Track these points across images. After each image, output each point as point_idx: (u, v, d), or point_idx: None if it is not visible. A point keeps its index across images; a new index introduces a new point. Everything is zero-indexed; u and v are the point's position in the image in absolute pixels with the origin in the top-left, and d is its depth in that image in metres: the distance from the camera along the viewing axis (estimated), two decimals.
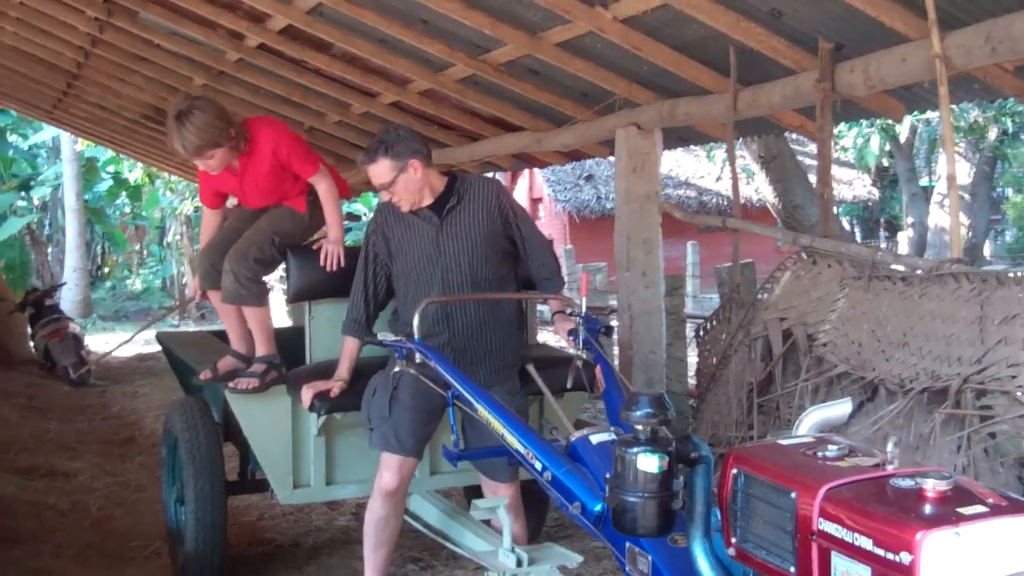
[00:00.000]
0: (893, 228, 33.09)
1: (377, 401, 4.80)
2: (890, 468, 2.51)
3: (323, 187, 5.40)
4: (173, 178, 24.77)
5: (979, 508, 2.28)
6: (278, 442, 5.29)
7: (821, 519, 2.43)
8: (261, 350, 5.35)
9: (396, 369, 4.50)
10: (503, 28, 6.59)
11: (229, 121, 5.18)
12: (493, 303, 4.83)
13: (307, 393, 4.92)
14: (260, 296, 5.33)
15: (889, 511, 2.32)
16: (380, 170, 4.67)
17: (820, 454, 2.64)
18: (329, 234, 5.41)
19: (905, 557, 2.21)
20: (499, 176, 27.84)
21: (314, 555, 6.33)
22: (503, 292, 4.91)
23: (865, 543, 2.31)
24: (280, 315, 12.30)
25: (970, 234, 13.58)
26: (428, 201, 4.79)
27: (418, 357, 4.34)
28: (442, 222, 4.77)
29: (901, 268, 5.22)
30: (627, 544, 3.32)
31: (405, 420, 4.72)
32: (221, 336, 7.36)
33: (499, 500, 4.41)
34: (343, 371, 4.97)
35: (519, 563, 4.29)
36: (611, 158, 7.79)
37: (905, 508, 2.31)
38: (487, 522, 4.93)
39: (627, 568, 3.35)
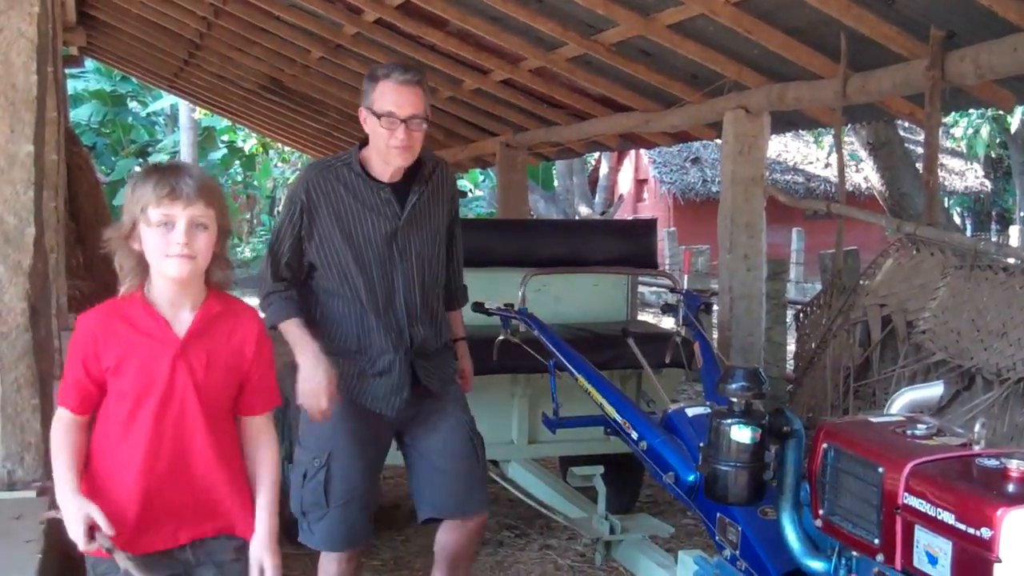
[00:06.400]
0: (1005, 221, 32.28)
1: (310, 488, 3.77)
2: (976, 448, 2.58)
3: None
4: (286, 149, 25.15)
5: None
6: None
7: (906, 493, 2.51)
8: None
9: (320, 443, 3.81)
10: (616, 8, 6.67)
11: None
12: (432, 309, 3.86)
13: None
14: None
15: (972, 488, 2.40)
16: (421, 96, 3.59)
17: (908, 432, 2.71)
18: None
19: (985, 532, 2.29)
20: (604, 156, 27.91)
21: (413, 517, 6.49)
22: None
23: (948, 518, 2.39)
24: None
25: None
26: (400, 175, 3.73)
27: (522, 327, 4.48)
28: (404, 213, 3.70)
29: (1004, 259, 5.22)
30: (718, 514, 3.43)
31: (349, 509, 3.79)
32: None
33: (595, 468, 4.51)
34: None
35: (612, 530, 4.41)
36: (718, 141, 7.81)
37: (988, 486, 2.38)
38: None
39: (717, 538, 3.46)
